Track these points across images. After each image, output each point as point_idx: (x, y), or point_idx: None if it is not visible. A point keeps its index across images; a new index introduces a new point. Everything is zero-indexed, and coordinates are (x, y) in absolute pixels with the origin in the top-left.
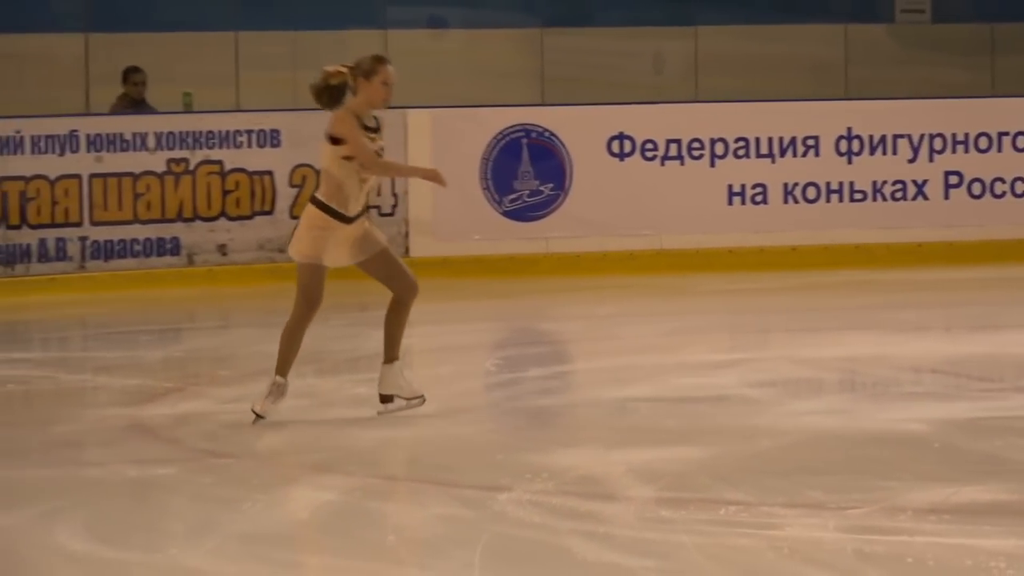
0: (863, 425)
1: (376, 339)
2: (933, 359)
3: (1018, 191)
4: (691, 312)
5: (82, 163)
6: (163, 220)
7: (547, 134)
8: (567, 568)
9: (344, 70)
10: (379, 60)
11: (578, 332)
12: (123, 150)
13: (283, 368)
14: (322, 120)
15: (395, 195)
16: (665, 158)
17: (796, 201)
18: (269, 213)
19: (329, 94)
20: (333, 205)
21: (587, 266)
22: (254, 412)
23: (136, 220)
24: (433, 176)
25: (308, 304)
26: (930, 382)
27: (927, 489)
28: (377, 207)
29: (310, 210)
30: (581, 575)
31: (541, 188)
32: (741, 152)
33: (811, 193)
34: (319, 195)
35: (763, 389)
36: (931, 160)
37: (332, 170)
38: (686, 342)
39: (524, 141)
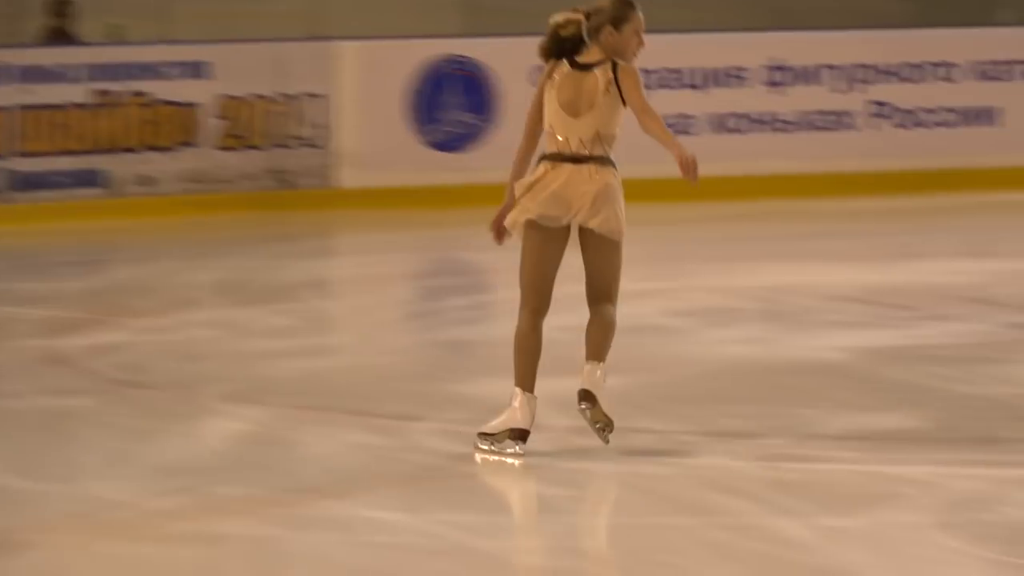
0: (781, 354)
1: (301, 269)
2: (853, 288)
3: (938, 121)
4: None
5: (9, 95)
6: (89, 152)
7: (474, 64)
8: (480, 497)
9: (578, 17)
10: (630, 5)
11: (500, 263)
12: (50, 82)
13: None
14: (251, 53)
15: (322, 126)
16: None
17: (725, 132)
18: (194, 145)
19: (560, 47)
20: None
21: None
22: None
23: (61, 152)
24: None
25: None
26: (849, 311)
27: (844, 417)
28: (306, 139)
29: (616, 178)
30: (493, 504)
31: (468, 119)
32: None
33: (737, 124)
34: (612, 157)
35: (681, 319)
36: (853, 89)
37: (617, 130)
38: None
39: (452, 71)
